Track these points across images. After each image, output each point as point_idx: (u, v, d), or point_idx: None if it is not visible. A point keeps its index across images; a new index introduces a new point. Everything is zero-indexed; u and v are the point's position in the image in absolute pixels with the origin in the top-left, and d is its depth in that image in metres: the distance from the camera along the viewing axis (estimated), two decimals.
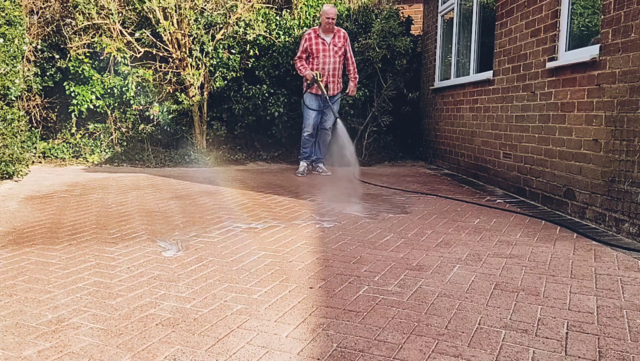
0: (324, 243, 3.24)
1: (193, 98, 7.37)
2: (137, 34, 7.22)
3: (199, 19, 7.29)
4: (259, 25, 7.39)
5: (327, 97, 6.22)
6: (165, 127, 7.45)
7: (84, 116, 7.39)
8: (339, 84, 6.43)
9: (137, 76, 7.24)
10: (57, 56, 7.33)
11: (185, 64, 7.32)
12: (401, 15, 8.11)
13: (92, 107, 7.26)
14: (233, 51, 7.47)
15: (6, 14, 5.73)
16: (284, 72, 7.51)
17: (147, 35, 7.20)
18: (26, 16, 6.96)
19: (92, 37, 7.13)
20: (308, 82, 6.29)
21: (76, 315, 2.12)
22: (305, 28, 7.63)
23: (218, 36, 7.36)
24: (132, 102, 7.34)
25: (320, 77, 6.24)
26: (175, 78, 7.46)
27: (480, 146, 5.79)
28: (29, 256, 2.93)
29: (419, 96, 8.27)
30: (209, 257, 2.94)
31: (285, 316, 2.13)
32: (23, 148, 6.17)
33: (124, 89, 7.22)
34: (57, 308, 2.20)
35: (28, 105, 7.31)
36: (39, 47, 7.31)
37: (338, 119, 6.16)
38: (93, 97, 7.20)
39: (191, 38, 7.31)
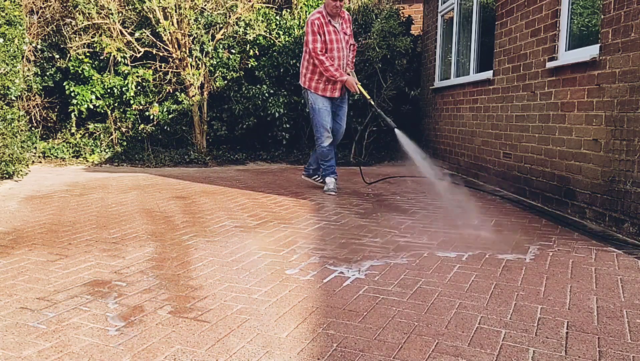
0: (324, 243, 3.24)
1: (193, 98, 7.37)
2: (137, 34, 7.22)
3: (199, 19, 7.29)
4: (259, 25, 7.39)
5: (373, 104, 5.12)
6: (165, 127, 7.45)
7: (84, 115, 7.39)
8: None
9: (137, 76, 7.25)
10: (57, 56, 7.33)
11: (185, 64, 7.32)
12: (401, 15, 8.11)
13: (92, 107, 7.26)
14: (233, 51, 7.47)
15: (6, 14, 5.73)
16: (284, 72, 7.51)
17: (147, 35, 7.21)
18: (26, 16, 6.96)
19: (92, 37, 7.13)
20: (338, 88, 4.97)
21: (76, 315, 2.12)
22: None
23: (218, 36, 7.36)
24: (132, 102, 7.35)
25: (359, 82, 5.03)
26: (175, 78, 7.46)
27: (480, 145, 5.79)
28: (29, 256, 2.93)
29: (419, 95, 8.27)
30: (209, 257, 2.94)
31: (285, 316, 2.13)
32: (23, 148, 6.17)
33: (124, 89, 7.22)
34: (57, 307, 2.20)
35: (28, 105, 7.32)
36: (39, 47, 7.31)
37: (396, 129, 4.89)
38: (93, 97, 7.20)
39: (191, 38, 7.31)
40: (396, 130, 4.88)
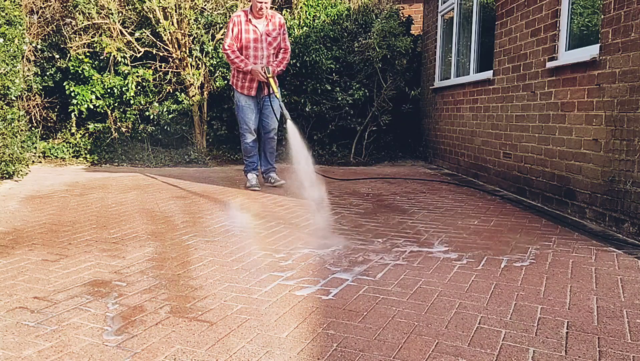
0: (324, 243, 3.24)
1: (193, 98, 7.37)
2: (137, 34, 7.22)
3: (199, 19, 7.29)
4: None
5: (278, 97, 5.04)
6: (165, 127, 7.45)
7: (84, 115, 7.39)
8: (275, 82, 5.22)
9: (137, 76, 7.24)
10: (57, 56, 7.33)
11: (185, 64, 7.32)
12: (401, 15, 8.11)
13: (92, 107, 7.26)
14: None
15: (6, 14, 5.72)
16: (284, 71, 7.50)
17: (147, 35, 7.20)
18: (26, 16, 6.96)
19: (92, 37, 7.13)
20: (242, 78, 5.12)
21: (76, 315, 2.12)
22: (305, 28, 7.62)
23: (218, 36, 7.36)
24: (132, 102, 7.34)
25: (269, 74, 5.00)
26: (175, 78, 7.46)
27: (480, 145, 5.79)
28: (29, 256, 2.93)
29: (419, 95, 8.27)
30: (209, 257, 2.94)
31: (285, 316, 2.13)
32: (23, 148, 6.16)
33: (124, 88, 7.22)
34: (57, 307, 2.20)
35: (28, 105, 7.31)
36: (39, 46, 7.31)
37: (289, 120, 4.72)
38: (93, 97, 7.19)
39: (191, 38, 7.31)
40: (289, 122, 4.68)
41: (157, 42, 7.21)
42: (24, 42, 6.17)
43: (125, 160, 7.40)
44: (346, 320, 2.09)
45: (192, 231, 3.52)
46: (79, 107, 7.16)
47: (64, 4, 7.34)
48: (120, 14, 7.21)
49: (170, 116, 7.37)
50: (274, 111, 5.21)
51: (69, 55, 7.17)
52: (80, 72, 7.14)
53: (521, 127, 4.80)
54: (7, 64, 5.65)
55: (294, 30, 7.58)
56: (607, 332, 1.99)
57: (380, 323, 2.06)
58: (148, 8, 7.07)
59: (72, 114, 7.27)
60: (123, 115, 7.50)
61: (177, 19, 7.14)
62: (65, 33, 7.22)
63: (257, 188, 5.28)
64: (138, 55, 7.24)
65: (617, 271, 2.72)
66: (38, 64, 7.33)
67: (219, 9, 7.43)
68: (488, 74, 5.56)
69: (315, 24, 7.72)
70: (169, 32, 7.11)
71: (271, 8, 7.77)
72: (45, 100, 7.46)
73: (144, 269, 2.72)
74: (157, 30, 7.11)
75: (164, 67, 7.39)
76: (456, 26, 6.80)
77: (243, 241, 3.28)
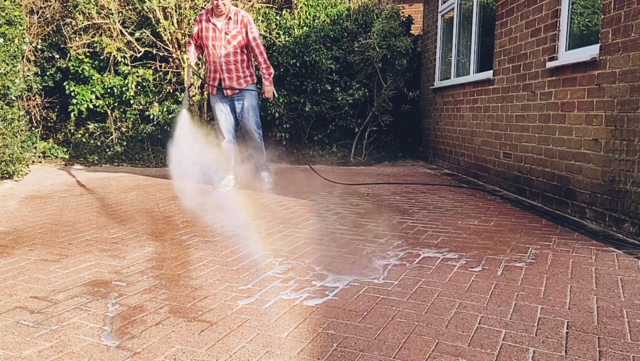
0: (324, 242, 3.24)
1: (193, 98, 7.36)
2: (137, 34, 7.22)
3: None
4: (258, 25, 7.39)
5: (189, 95, 5.02)
6: (165, 127, 7.45)
7: (84, 115, 7.39)
8: (239, 80, 5.05)
9: (137, 76, 7.24)
10: (57, 56, 7.33)
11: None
12: (401, 15, 8.11)
13: (92, 107, 7.25)
14: None
15: (6, 14, 5.72)
16: (284, 71, 7.51)
17: (147, 35, 7.20)
18: (26, 16, 6.96)
19: (92, 37, 7.13)
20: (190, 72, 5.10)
21: (76, 315, 2.12)
22: (305, 28, 7.63)
23: None
24: (132, 102, 7.34)
25: (199, 70, 4.95)
26: (175, 78, 7.46)
27: (480, 145, 5.78)
28: (29, 256, 2.93)
29: (419, 95, 8.27)
30: (209, 257, 2.94)
31: (285, 316, 2.13)
32: (23, 148, 6.17)
33: (124, 88, 7.22)
34: (57, 307, 2.20)
35: (28, 105, 7.31)
36: (39, 46, 7.31)
37: (184, 110, 4.92)
38: (93, 97, 7.19)
39: None
40: (184, 111, 4.87)
41: (157, 42, 7.21)
42: (24, 42, 6.17)
43: (125, 160, 7.40)
44: (346, 320, 2.09)
45: (192, 231, 3.52)
46: (78, 107, 7.16)
47: (64, 4, 7.34)
48: (120, 14, 7.21)
49: (170, 116, 7.36)
50: (243, 112, 5.12)
51: (69, 55, 7.17)
52: (80, 72, 7.14)
53: (521, 127, 4.80)
54: (7, 64, 5.65)
55: (293, 30, 7.58)
56: (607, 332, 2.00)
57: (381, 323, 2.06)
58: (148, 8, 7.06)
59: (72, 114, 7.27)
60: (123, 115, 7.50)
61: (177, 19, 7.14)
62: (65, 33, 7.22)
63: (224, 189, 5.22)
64: (138, 55, 7.24)
65: (617, 271, 2.72)
66: (38, 64, 7.33)
67: None
68: (488, 74, 5.56)
69: (315, 24, 7.71)
70: (169, 32, 7.11)
71: (271, 8, 7.79)
72: (45, 100, 7.46)
73: (144, 269, 2.72)
74: (157, 30, 7.11)
75: (164, 67, 7.39)
76: (456, 26, 6.80)
77: (243, 241, 3.28)
